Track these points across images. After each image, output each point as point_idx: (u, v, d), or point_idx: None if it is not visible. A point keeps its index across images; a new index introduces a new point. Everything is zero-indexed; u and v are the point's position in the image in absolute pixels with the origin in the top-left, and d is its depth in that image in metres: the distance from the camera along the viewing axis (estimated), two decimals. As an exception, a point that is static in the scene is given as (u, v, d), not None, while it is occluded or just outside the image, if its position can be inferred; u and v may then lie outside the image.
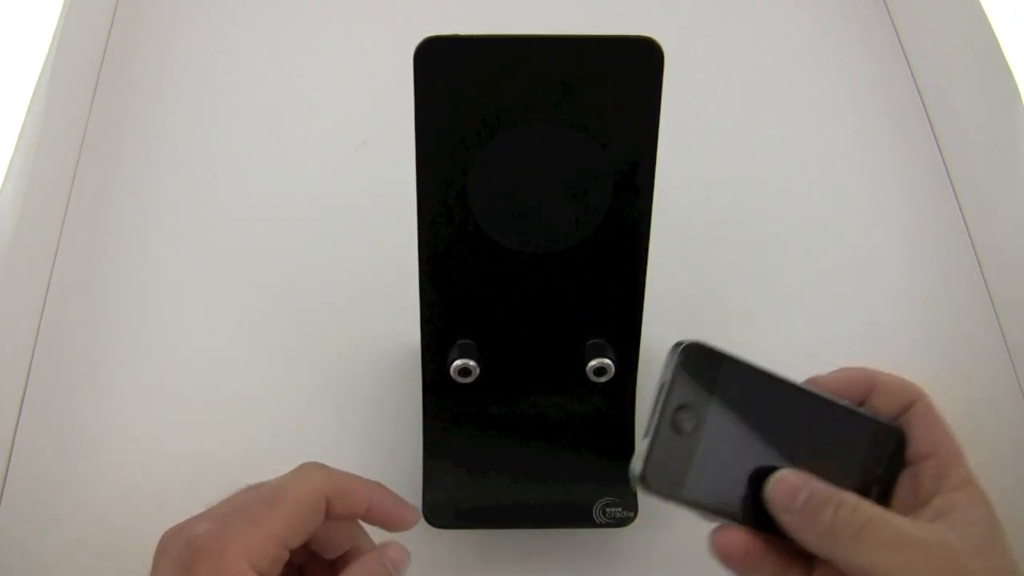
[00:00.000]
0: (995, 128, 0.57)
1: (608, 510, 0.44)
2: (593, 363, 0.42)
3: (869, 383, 0.36)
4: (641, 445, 0.33)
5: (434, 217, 0.41)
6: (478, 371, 0.43)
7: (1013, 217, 0.55)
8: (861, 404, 0.36)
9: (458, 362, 0.42)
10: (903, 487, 0.35)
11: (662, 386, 0.33)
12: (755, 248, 0.58)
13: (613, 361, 0.43)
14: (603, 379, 0.43)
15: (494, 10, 0.65)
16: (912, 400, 0.36)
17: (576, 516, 0.45)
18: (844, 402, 0.35)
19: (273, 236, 0.57)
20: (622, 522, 0.44)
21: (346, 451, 0.50)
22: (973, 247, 0.58)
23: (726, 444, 0.33)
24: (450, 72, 0.37)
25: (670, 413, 0.33)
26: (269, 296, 0.55)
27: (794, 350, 0.54)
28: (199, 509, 0.48)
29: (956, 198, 0.60)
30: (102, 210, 0.58)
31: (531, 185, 0.40)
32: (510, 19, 0.65)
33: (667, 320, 0.53)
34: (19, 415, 0.50)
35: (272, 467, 0.49)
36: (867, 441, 0.35)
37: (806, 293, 0.56)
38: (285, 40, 0.65)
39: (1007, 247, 0.56)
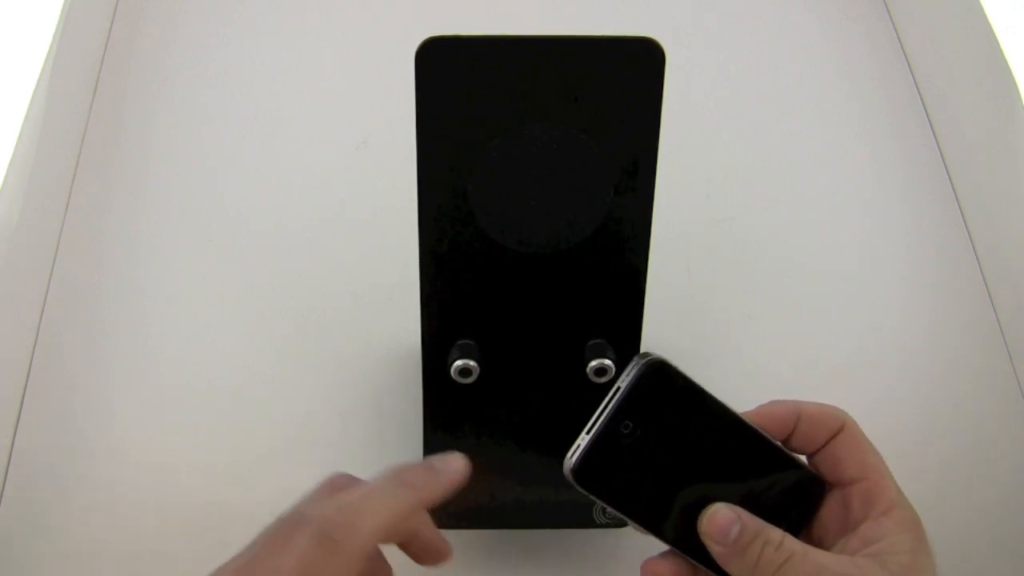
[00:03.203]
0: (995, 128, 0.57)
1: (608, 510, 0.44)
2: (593, 363, 0.42)
3: (795, 415, 0.37)
4: (580, 439, 0.34)
5: (435, 217, 0.41)
6: (478, 371, 0.43)
7: (1013, 217, 0.55)
8: (789, 436, 0.37)
9: (458, 362, 0.42)
10: (833, 512, 0.36)
11: (616, 390, 0.34)
12: (755, 248, 0.58)
13: (613, 361, 0.42)
14: (603, 379, 0.43)
15: (494, 10, 0.65)
16: (838, 427, 0.36)
17: (576, 516, 0.45)
18: (778, 443, 0.36)
19: (273, 236, 0.57)
20: (621, 522, 0.44)
21: (347, 451, 0.50)
22: (973, 247, 0.58)
23: (663, 461, 0.35)
24: (451, 73, 0.37)
25: (617, 419, 0.34)
26: (269, 296, 0.55)
27: (794, 350, 0.54)
28: (199, 509, 0.48)
29: (956, 198, 0.60)
30: (102, 210, 0.57)
31: (532, 185, 0.40)
32: (511, 19, 0.65)
33: (667, 320, 0.53)
34: (19, 415, 0.50)
35: (271, 468, 0.49)
36: (793, 484, 0.36)
37: (805, 293, 0.56)
38: (285, 40, 0.65)
39: (1007, 247, 0.56)
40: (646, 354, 0.34)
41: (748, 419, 0.36)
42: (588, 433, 0.34)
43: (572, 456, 0.34)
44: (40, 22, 0.56)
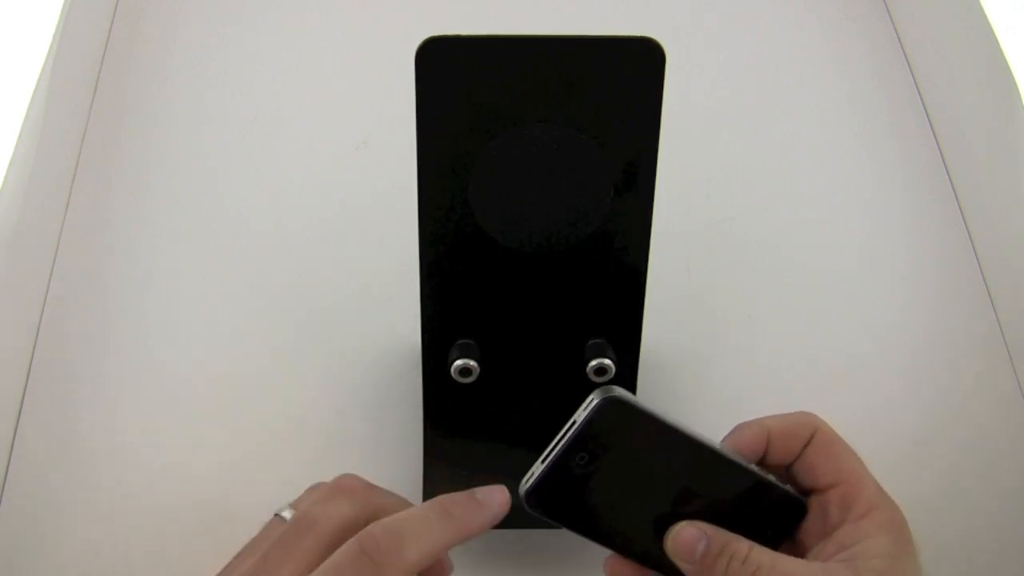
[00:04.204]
0: (995, 128, 0.57)
1: None
2: (593, 363, 0.42)
3: (764, 432, 0.36)
4: (535, 467, 0.34)
5: (435, 217, 0.41)
6: (478, 371, 0.43)
7: (1013, 217, 0.55)
8: (764, 455, 0.36)
9: (458, 362, 0.42)
10: (812, 517, 0.36)
11: (572, 423, 0.34)
12: (755, 248, 0.58)
13: (613, 361, 0.42)
14: (603, 379, 0.43)
15: (494, 10, 0.65)
16: (810, 433, 0.36)
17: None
18: (753, 467, 0.36)
19: (273, 236, 0.57)
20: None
21: (347, 451, 0.50)
22: (973, 247, 0.58)
23: (624, 490, 0.35)
24: (451, 72, 0.37)
25: (570, 450, 0.34)
26: (269, 296, 0.55)
27: (794, 351, 0.54)
28: (199, 509, 0.48)
29: (956, 199, 0.60)
30: (102, 210, 0.57)
31: (532, 185, 0.40)
32: (511, 19, 0.65)
33: (667, 320, 0.53)
34: (19, 416, 0.50)
35: (271, 468, 0.49)
36: (768, 507, 0.36)
37: (806, 293, 0.56)
38: (285, 40, 0.65)
39: (1007, 247, 0.56)
40: (607, 388, 0.34)
41: (720, 446, 0.36)
42: (543, 462, 0.34)
43: (526, 483, 0.34)
44: (40, 22, 0.56)
